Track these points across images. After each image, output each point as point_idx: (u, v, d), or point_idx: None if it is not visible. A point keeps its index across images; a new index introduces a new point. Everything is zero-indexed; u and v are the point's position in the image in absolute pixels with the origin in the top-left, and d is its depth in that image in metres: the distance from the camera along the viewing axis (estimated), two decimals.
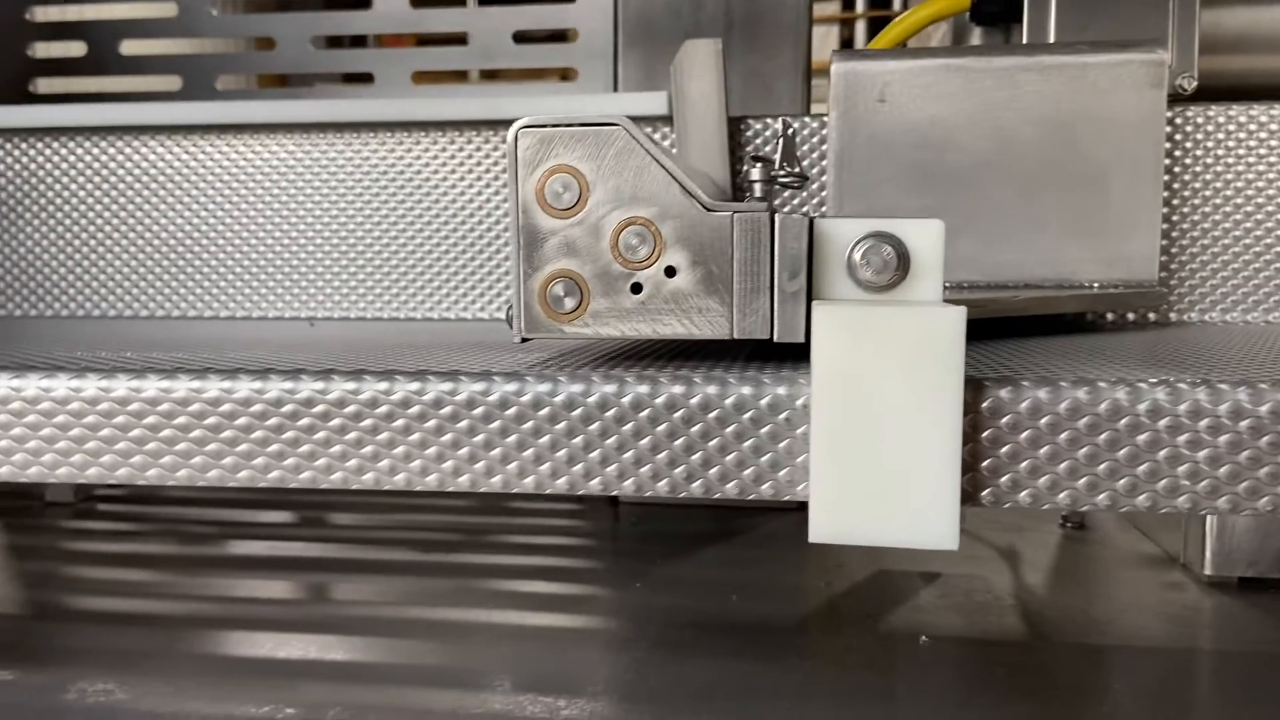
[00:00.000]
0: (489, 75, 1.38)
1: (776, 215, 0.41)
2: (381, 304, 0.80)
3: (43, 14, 1.13)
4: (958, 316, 0.35)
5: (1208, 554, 0.72)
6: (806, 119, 0.75)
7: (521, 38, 1.05)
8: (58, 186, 0.83)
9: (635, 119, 0.75)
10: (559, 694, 0.55)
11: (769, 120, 0.75)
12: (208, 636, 0.65)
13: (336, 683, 0.57)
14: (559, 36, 1.11)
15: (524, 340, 0.43)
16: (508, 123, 0.78)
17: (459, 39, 1.05)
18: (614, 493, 0.40)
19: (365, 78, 1.08)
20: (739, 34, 0.92)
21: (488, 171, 0.79)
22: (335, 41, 1.15)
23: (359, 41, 1.29)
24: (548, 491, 0.40)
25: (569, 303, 0.42)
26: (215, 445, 0.41)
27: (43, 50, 1.13)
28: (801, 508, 0.95)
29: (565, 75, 1.47)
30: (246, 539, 0.88)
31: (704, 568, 0.78)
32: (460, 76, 1.46)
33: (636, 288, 0.42)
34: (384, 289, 0.80)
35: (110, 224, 0.82)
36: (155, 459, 0.42)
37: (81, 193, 0.83)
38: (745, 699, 0.55)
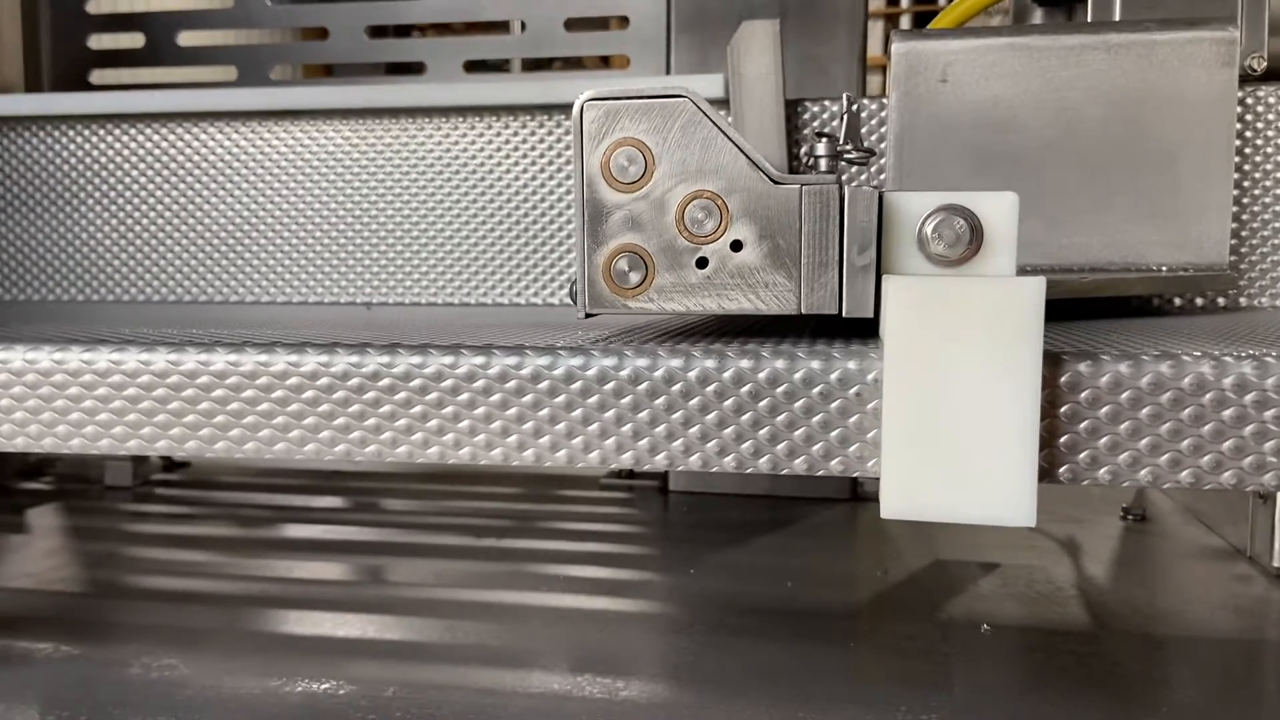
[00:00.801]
0: (531, 66, 1.38)
1: (846, 188, 0.40)
2: (436, 289, 0.80)
3: (100, 6, 1.15)
4: (1037, 287, 0.34)
5: (1277, 546, 0.70)
6: (865, 100, 0.74)
7: (570, 25, 1.05)
8: (119, 173, 0.84)
9: None
10: (617, 675, 0.55)
11: (826, 103, 0.74)
12: (267, 615, 0.65)
13: (394, 662, 0.58)
14: (600, 24, 1.10)
15: (588, 316, 0.43)
16: (562, 107, 0.78)
17: (511, 27, 1.05)
18: (679, 468, 0.39)
19: (416, 67, 1.08)
20: (794, 18, 0.91)
21: (541, 156, 0.78)
22: (379, 32, 1.16)
23: (403, 32, 1.29)
24: (612, 466, 0.40)
25: (634, 278, 0.42)
26: (283, 419, 0.42)
27: (102, 41, 1.15)
28: (853, 498, 0.95)
29: (607, 64, 1.46)
30: (301, 522, 0.89)
31: (757, 555, 0.78)
32: (503, 67, 1.46)
33: (702, 262, 0.42)
34: (439, 274, 0.80)
35: (170, 210, 0.83)
36: (223, 432, 0.42)
37: (142, 179, 0.84)
38: (805, 682, 0.54)
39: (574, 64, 1.23)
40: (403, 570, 0.75)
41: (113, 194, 0.84)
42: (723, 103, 0.74)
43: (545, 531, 0.86)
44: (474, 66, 1.09)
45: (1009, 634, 0.61)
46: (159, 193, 0.84)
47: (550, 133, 0.78)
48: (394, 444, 0.42)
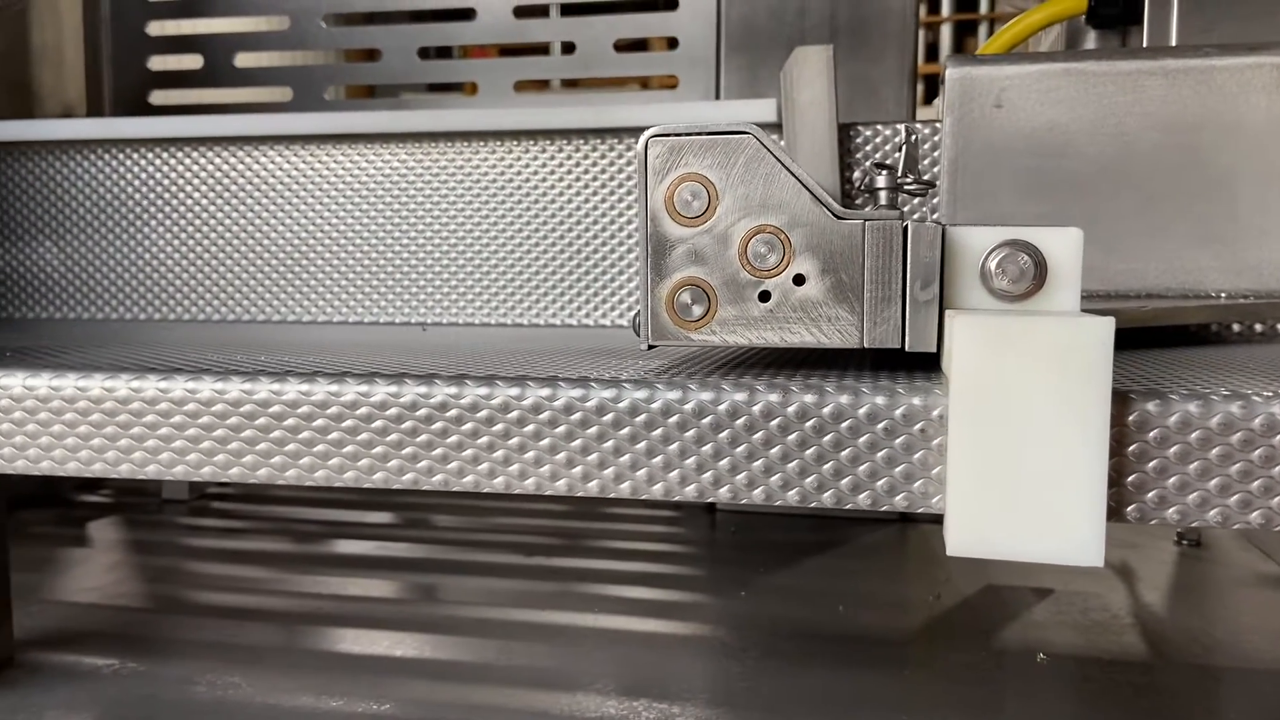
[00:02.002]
0: (570, 84, 1.39)
1: (909, 223, 0.40)
2: (490, 310, 0.81)
3: (160, 28, 1.18)
4: (1106, 327, 0.34)
5: None
6: (917, 124, 0.74)
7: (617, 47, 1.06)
8: (181, 195, 0.86)
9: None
10: (671, 700, 0.55)
11: (879, 127, 0.74)
12: (324, 633, 0.66)
13: (450, 683, 0.58)
14: (640, 46, 1.11)
15: (650, 347, 0.43)
16: (614, 131, 0.78)
17: (565, 48, 1.06)
18: (742, 500, 0.40)
19: (456, 87, 1.10)
20: (844, 39, 0.91)
21: (594, 179, 0.79)
22: (421, 53, 1.17)
23: (444, 52, 1.31)
24: (675, 498, 0.40)
25: (696, 310, 0.42)
26: (352, 448, 0.42)
27: (162, 63, 1.18)
28: (902, 520, 0.94)
29: (645, 84, 1.47)
30: (352, 538, 0.90)
31: (807, 578, 0.78)
32: (543, 86, 1.47)
33: (764, 296, 0.42)
34: (491, 295, 0.81)
35: (230, 230, 0.85)
36: (294, 460, 0.43)
37: (204, 200, 0.86)
38: (860, 710, 0.54)
39: (614, 82, 1.23)
40: (454, 588, 0.76)
41: (175, 215, 0.86)
42: (775, 127, 0.74)
43: (594, 550, 0.87)
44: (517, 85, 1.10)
45: (1065, 663, 0.61)
46: (219, 214, 0.85)
47: (604, 156, 0.79)
48: (460, 473, 0.43)
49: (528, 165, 0.80)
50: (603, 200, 0.79)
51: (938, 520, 0.90)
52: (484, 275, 0.81)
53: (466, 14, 1.09)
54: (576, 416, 0.41)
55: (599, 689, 0.57)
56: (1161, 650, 0.63)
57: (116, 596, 0.73)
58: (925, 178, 0.46)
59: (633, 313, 0.80)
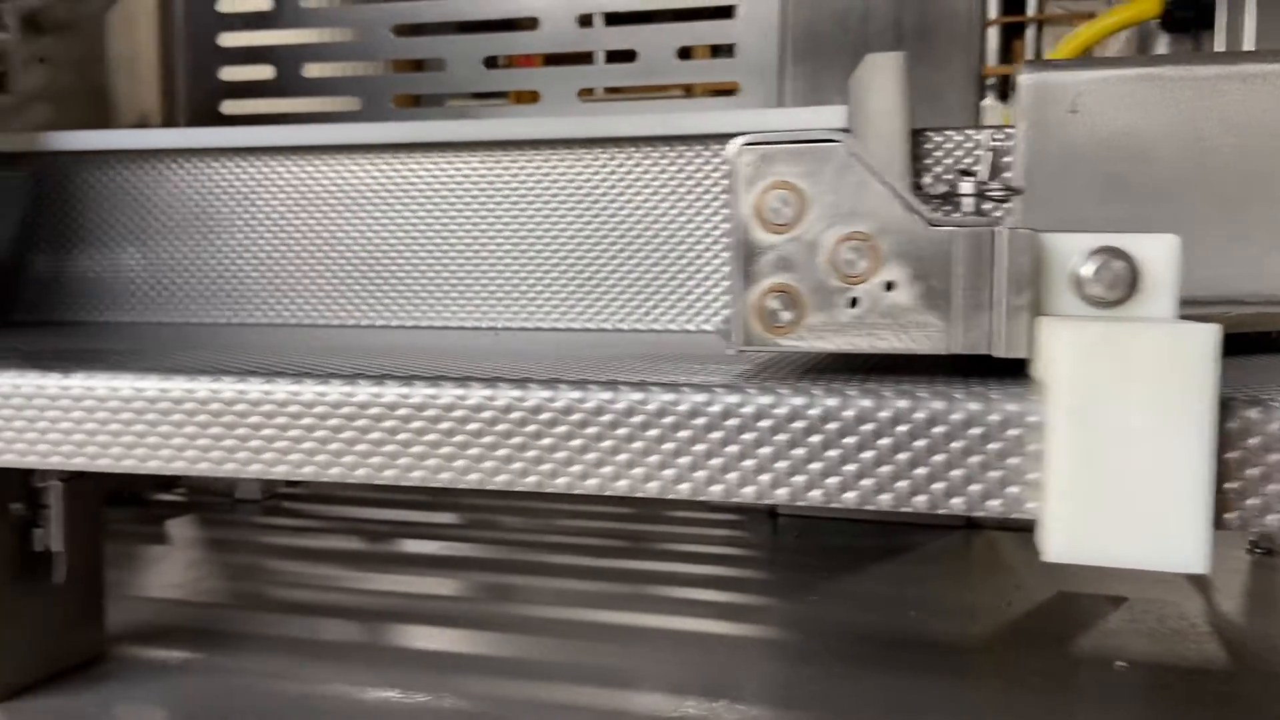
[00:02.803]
0: (612, 91, 1.39)
1: (1001, 230, 0.40)
2: (558, 314, 0.83)
3: (232, 40, 1.21)
4: (1212, 334, 0.34)
5: None
6: (990, 131, 0.74)
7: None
8: (259, 202, 0.89)
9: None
10: (750, 703, 0.56)
11: (949, 132, 0.74)
12: (399, 630, 0.68)
13: (522, 680, 0.59)
14: (685, 54, 1.10)
15: (740, 352, 0.44)
16: (684, 138, 0.79)
17: (615, 56, 1.08)
18: (833, 505, 0.40)
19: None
20: (909, 45, 0.92)
21: (663, 186, 0.80)
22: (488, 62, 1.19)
23: (490, 62, 1.30)
24: (765, 502, 0.41)
25: (785, 316, 0.43)
26: (448, 449, 0.44)
27: (231, 74, 1.21)
28: (968, 525, 0.94)
29: (689, 91, 1.47)
30: (420, 537, 0.92)
31: (876, 583, 0.78)
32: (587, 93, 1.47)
33: (853, 302, 0.42)
34: (560, 299, 0.82)
35: (307, 237, 0.87)
36: (392, 460, 0.44)
37: (281, 208, 0.88)
38: (937, 716, 0.54)
39: (656, 89, 1.24)
40: (521, 588, 0.77)
41: (254, 221, 0.89)
42: (844, 133, 0.75)
43: (658, 553, 0.87)
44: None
45: (1142, 671, 0.60)
46: (296, 221, 0.87)
47: (672, 163, 0.80)
48: (553, 475, 0.44)
49: (596, 172, 0.81)
50: (671, 206, 0.80)
51: (1004, 527, 0.89)
52: (553, 280, 0.82)
53: (530, 23, 1.11)
54: (669, 420, 0.41)
55: (673, 689, 0.57)
56: (1242, 658, 0.62)
57: (199, 593, 0.76)
58: (1010, 184, 0.46)
59: (719, 318, 0.81)
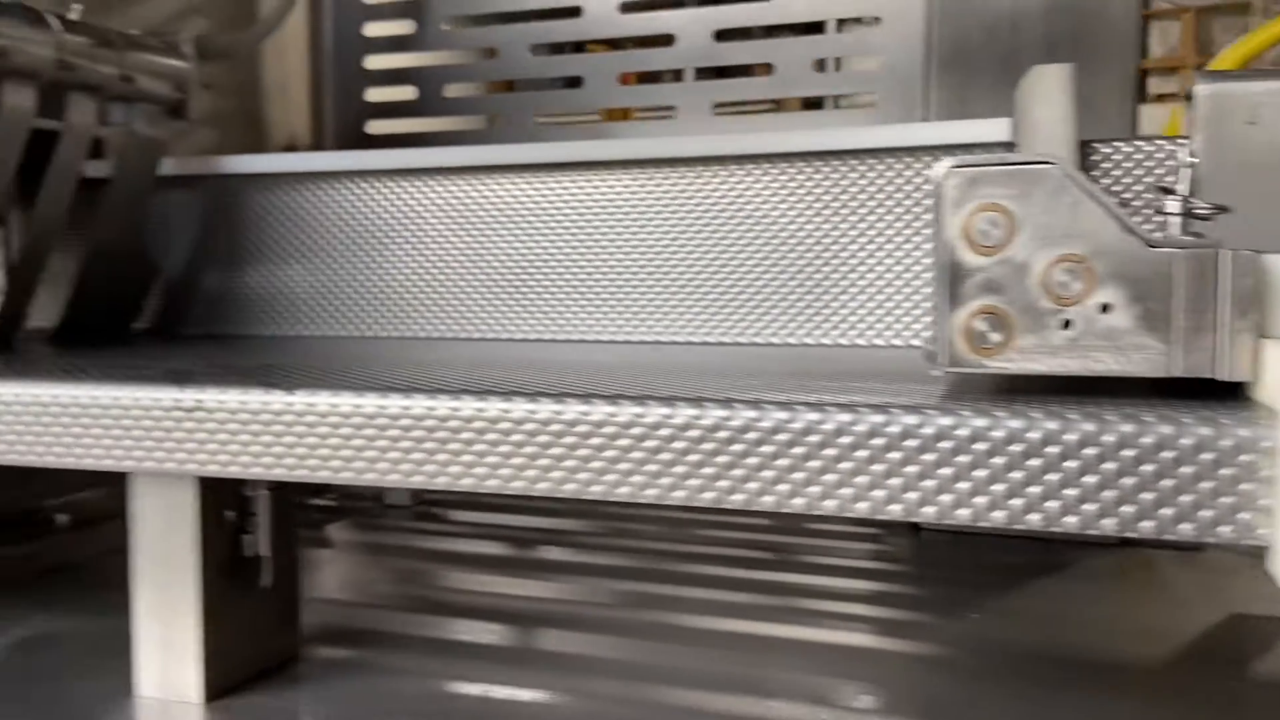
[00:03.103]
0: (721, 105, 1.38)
1: (1224, 252, 0.40)
2: (709, 329, 0.84)
3: (377, 63, 1.26)
4: None
5: None
6: (1161, 141, 0.72)
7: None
8: (419, 220, 0.92)
9: (972, 145, 0.76)
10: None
11: (1117, 144, 0.73)
12: (551, 635, 0.70)
13: (681, 688, 0.60)
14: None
15: (945, 374, 0.44)
16: (835, 153, 0.80)
17: (763, 68, 1.09)
18: (1052, 529, 0.40)
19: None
20: (1061, 53, 0.90)
21: (817, 200, 0.81)
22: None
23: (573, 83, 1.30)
24: (979, 523, 0.41)
25: (994, 338, 0.43)
26: (626, 465, 0.45)
27: (376, 95, 1.26)
28: (1122, 544, 0.92)
29: (811, 104, 1.46)
30: (563, 545, 0.94)
31: (1035, 600, 0.77)
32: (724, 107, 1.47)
33: (1066, 324, 0.43)
34: (712, 313, 0.84)
35: (465, 254, 0.90)
36: (571, 474, 0.46)
37: (440, 225, 0.91)
38: None
39: (772, 102, 1.24)
40: (662, 596, 0.78)
41: (413, 239, 0.92)
42: (1007, 146, 0.74)
43: (800, 565, 0.87)
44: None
45: None
46: (454, 238, 0.91)
47: (826, 178, 0.80)
48: (730, 491, 0.45)
49: (748, 188, 0.82)
50: (825, 221, 0.81)
51: (1161, 545, 0.87)
52: (706, 294, 0.83)
53: (666, 40, 1.13)
54: (879, 441, 0.42)
55: (849, 707, 0.58)
56: None
57: (372, 596, 0.79)
58: (1216, 203, 0.46)
59: (871, 332, 0.81)
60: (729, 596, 0.79)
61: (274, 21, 1.07)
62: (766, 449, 0.43)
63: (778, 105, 1.17)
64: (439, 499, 1.13)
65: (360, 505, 1.10)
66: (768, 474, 0.44)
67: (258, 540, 0.61)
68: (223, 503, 0.60)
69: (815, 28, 1.08)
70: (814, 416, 0.43)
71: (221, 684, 0.59)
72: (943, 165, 0.44)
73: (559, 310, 0.89)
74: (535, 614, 0.74)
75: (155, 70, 0.87)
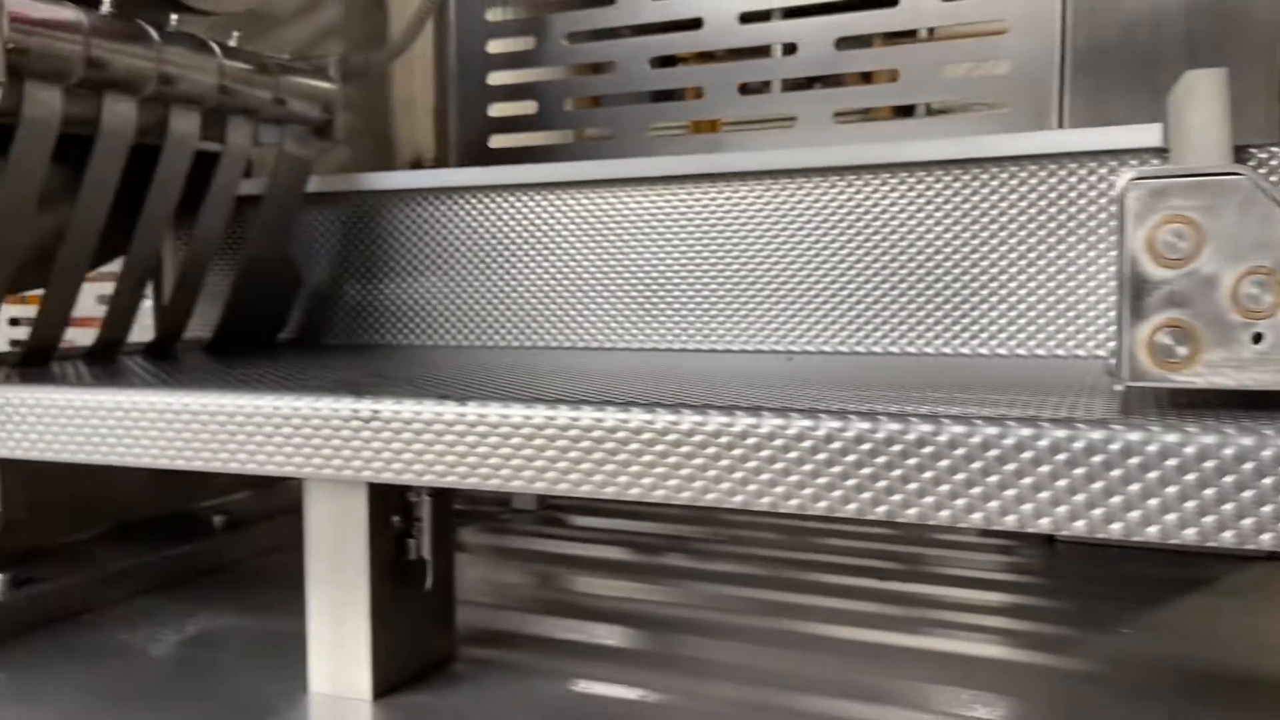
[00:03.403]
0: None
1: None
2: (842, 337, 0.84)
3: (499, 79, 1.29)
4: None
5: None
6: None
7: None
8: (548, 231, 0.94)
9: (1121, 152, 0.74)
10: None
11: (1274, 149, 0.71)
12: (683, 639, 0.71)
13: (824, 696, 0.61)
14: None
15: (1127, 388, 0.44)
16: (977, 161, 0.79)
17: (886, 75, 1.08)
18: (1247, 546, 0.40)
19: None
20: (1203, 56, 0.88)
21: (956, 209, 0.80)
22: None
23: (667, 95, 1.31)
24: (1170, 542, 0.41)
25: (1180, 352, 0.43)
26: (768, 475, 0.46)
27: (498, 110, 1.29)
28: (1269, 558, 0.89)
29: (902, 111, 1.43)
30: (687, 552, 0.95)
31: (1185, 616, 0.75)
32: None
33: (1257, 338, 0.42)
34: (846, 322, 0.84)
35: (595, 265, 0.92)
36: (714, 484, 0.47)
37: (569, 236, 0.93)
38: None
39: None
40: (788, 605, 0.78)
41: (544, 251, 0.94)
42: (1158, 152, 0.73)
43: (930, 576, 0.87)
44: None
45: None
46: (585, 249, 0.93)
47: (947, 186, 0.80)
48: (874, 503, 0.45)
49: (884, 196, 0.82)
50: (963, 230, 0.80)
51: None
52: (842, 304, 0.84)
53: (788, 49, 1.13)
54: (1063, 457, 0.42)
55: (985, 717, 0.57)
56: None
57: (512, 599, 0.81)
58: None
59: (1013, 342, 0.80)
60: (857, 605, 0.79)
61: (406, 42, 1.11)
62: (944, 464, 0.44)
63: (867, 114, 1.16)
64: (562, 504, 1.15)
65: (486, 510, 1.12)
66: (944, 489, 0.44)
67: (420, 544, 0.63)
68: (390, 508, 0.62)
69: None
70: (993, 431, 0.43)
71: (388, 682, 0.62)
72: (1125, 176, 0.43)
73: (689, 320, 0.90)
74: (667, 619, 0.76)
75: (305, 93, 0.91)
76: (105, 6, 0.73)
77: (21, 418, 0.63)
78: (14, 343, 1.07)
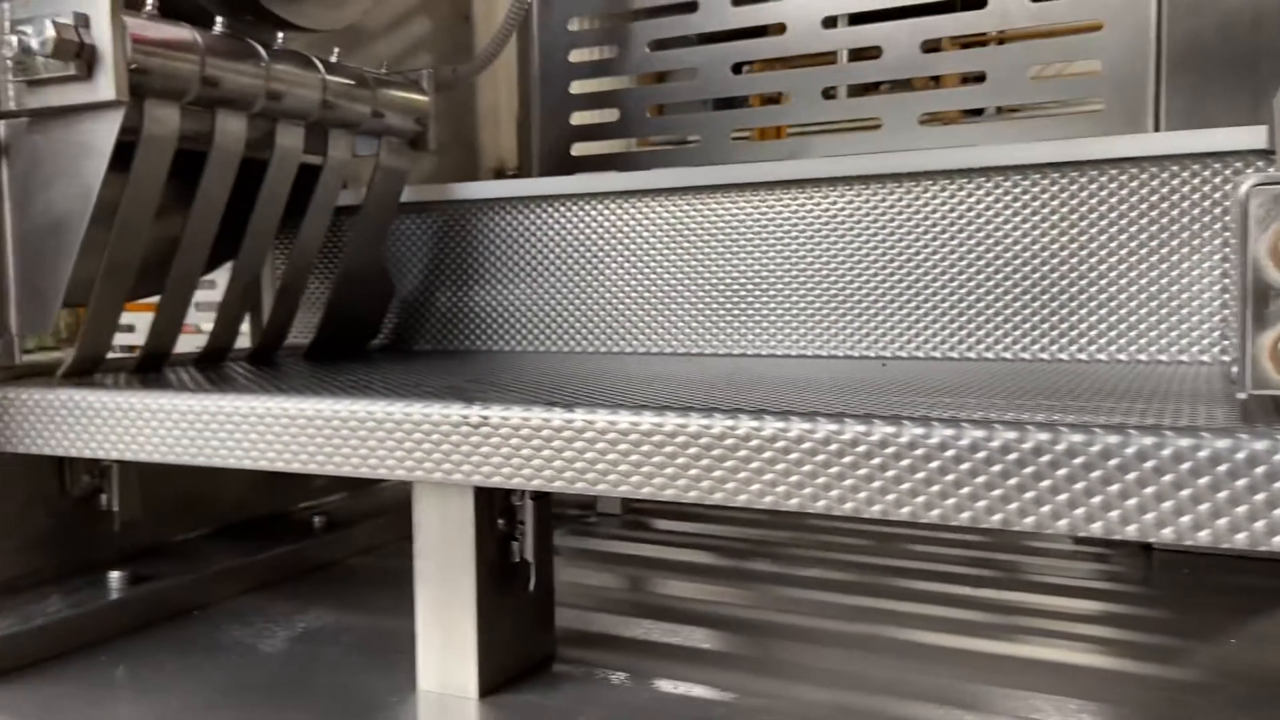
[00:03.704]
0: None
1: None
2: (935, 343, 0.84)
3: (581, 87, 1.31)
4: None
5: None
6: None
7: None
8: (636, 237, 0.95)
9: (1225, 154, 0.73)
10: None
11: None
12: (774, 643, 0.71)
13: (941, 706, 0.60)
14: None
15: (1249, 396, 0.43)
16: (1074, 164, 0.78)
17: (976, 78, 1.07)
18: None
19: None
20: None
21: (1054, 214, 0.79)
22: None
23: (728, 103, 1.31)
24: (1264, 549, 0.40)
25: None
26: (909, 484, 0.46)
27: (580, 118, 1.31)
28: None
29: (970, 113, 1.40)
30: (771, 558, 0.95)
31: None
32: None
33: None
34: (940, 327, 0.83)
35: (683, 271, 0.93)
36: (852, 491, 0.47)
37: (656, 242, 0.94)
38: None
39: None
40: (888, 611, 0.78)
41: (631, 257, 0.95)
42: (1262, 154, 0.71)
43: (1025, 583, 0.86)
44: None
45: None
46: (672, 255, 0.93)
47: (1044, 190, 0.79)
48: (989, 512, 0.45)
49: (979, 200, 0.81)
50: (1062, 234, 0.79)
51: None
52: (936, 309, 0.83)
53: (874, 52, 1.12)
54: (1187, 466, 0.41)
55: None
56: None
57: (603, 600, 0.82)
58: None
59: (1114, 347, 0.79)
60: (953, 612, 0.78)
61: (494, 52, 1.13)
62: (1062, 472, 0.44)
63: (935, 116, 1.15)
64: (646, 508, 1.16)
65: (572, 513, 1.14)
66: (1061, 498, 0.44)
67: (524, 546, 0.65)
68: (495, 511, 0.64)
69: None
70: (1114, 440, 0.43)
71: (493, 681, 0.64)
72: (1248, 182, 0.43)
73: (778, 325, 0.90)
74: (759, 623, 0.76)
75: (401, 105, 0.93)
76: (218, 26, 0.76)
77: (143, 422, 0.66)
78: (126, 349, 1.11)
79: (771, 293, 0.90)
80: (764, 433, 0.50)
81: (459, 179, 1.15)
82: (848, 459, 0.48)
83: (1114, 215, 0.77)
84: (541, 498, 0.65)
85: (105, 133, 0.69)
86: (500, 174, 1.35)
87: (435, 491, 0.63)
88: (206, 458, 0.64)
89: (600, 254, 0.98)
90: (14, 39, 0.68)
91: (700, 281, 0.93)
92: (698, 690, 0.64)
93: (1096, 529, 0.43)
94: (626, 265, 0.97)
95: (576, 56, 1.30)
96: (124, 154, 0.72)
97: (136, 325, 1.09)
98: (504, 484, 0.57)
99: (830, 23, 1.14)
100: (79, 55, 0.66)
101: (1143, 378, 0.66)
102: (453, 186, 1.04)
